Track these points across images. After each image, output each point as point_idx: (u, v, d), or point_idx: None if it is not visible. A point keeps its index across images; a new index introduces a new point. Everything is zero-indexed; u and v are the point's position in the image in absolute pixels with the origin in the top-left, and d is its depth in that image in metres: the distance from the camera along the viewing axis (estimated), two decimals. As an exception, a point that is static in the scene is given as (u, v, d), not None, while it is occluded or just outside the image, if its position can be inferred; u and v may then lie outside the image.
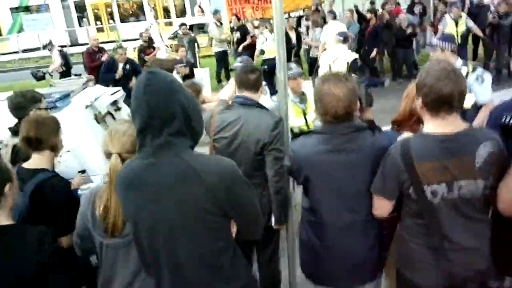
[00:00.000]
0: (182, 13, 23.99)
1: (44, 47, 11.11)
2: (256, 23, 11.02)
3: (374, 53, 9.81)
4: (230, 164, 1.64)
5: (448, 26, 8.53)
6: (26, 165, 2.45)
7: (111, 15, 22.78)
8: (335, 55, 6.30)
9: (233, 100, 2.92)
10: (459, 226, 1.89)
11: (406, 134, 2.22)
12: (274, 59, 8.13)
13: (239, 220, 1.72)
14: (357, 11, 10.70)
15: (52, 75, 10.21)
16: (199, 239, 1.60)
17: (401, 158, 1.88)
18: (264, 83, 3.15)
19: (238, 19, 10.75)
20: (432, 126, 1.90)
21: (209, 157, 1.68)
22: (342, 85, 2.02)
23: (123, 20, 22.98)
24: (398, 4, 11.78)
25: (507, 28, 8.81)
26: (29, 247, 1.80)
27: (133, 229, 1.68)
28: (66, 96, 4.04)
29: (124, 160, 1.87)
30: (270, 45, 9.03)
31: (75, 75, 10.53)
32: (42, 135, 2.43)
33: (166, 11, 24.34)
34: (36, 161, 2.45)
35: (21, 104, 3.11)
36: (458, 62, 3.87)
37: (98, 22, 24.03)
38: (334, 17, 9.47)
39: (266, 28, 9.89)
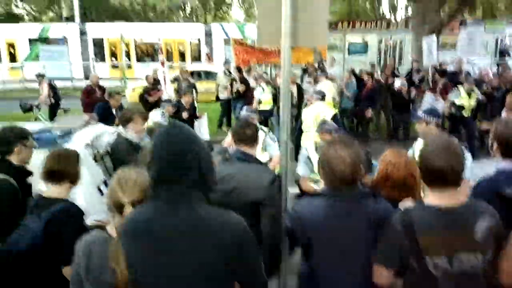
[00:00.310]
0: (197, 58, 24.99)
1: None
2: (255, 75, 11.48)
3: (369, 113, 10.10)
4: (242, 222, 1.66)
5: (461, 97, 8.66)
6: (45, 194, 2.60)
7: (127, 54, 24.00)
8: (316, 111, 6.63)
9: (231, 154, 2.99)
10: None
11: (407, 203, 2.28)
12: (270, 110, 8.32)
13: (245, 280, 1.71)
14: (354, 73, 11.12)
15: (39, 108, 10.38)
16: None
17: (403, 229, 1.92)
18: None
19: (240, 71, 11.20)
20: (432, 198, 1.96)
21: (222, 212, 1.68)
22: (349, 149, 2.06)
23: (139, 59, 23.92)
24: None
25: (498, 102, 9.09)
26: None
27: (133, 277, 1.65)
28: (67, 133, 4.12)
29: None
30: (266, 96, 9.73)
31: (64, 109, 10.75)
32: (65, 168, 2.60)
33: (182, 55, 25.49)
34: (55, 191, 2.58)
35: (8, 139, 3.14)
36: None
37: (114, 59, 24.97)
38: (326, 76, 10.09)
39: (263, 80, 10.35)
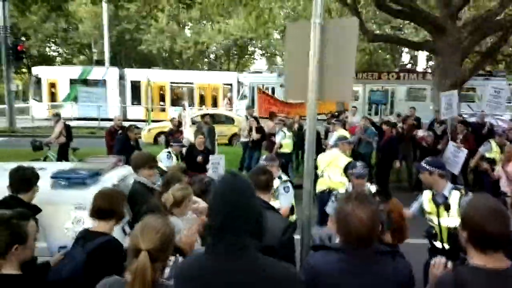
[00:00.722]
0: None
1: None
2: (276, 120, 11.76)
3: (397, 164, 10.13)
4: (297, 273, 1.73)
5: (493, 151, 8.57)
6: (92, 228, 2.88)
7: (162, 97, 25.89)
8: (331, 157, 6.77)
9: None
10: None
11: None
12: (289, 153, 8.46)
13: None
14: (371, 122, 11.17)
15: (49, 147, 10.72)
16: None
17: None
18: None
19: (257, 120, 11.68)
20: (479, 260, 1.95)
21: (276, 261, 1.71)
22: (366, 208, 2.02)
23: (173, 103, 25.27)
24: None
25: None
26: None
27: None
28: (96, 174, 4.25)
29: (153, 259, 1.81)
30: (287, 141, 10.24)
31: (73, 149, 11.10)
32: (114, 207, 2.88)
33: (214, 100, 26.69)
34: (101, 226, 2.86)
35: (30, 180, 3.48)
36: (447, 186, 3.97)
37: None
38: (343, 125, 10.39)
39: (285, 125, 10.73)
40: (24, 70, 42.06)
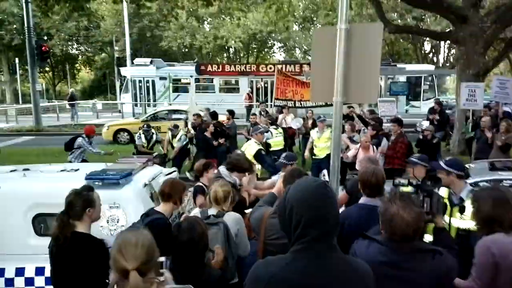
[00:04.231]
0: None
1: None
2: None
3: None
4: (369, 268, 1.83)
5: None
6: (155, 207, 3.66)
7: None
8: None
9: None
10: None
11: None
12: (282, 150, 9.49)
13: None
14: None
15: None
16: None
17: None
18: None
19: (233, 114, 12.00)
20: None
21: (353, 258, 1.91)
22: (411, 210, 2.16)
23: None
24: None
25: None
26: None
27: None
28: (128, 174, 4.42)
29: (142, 274, 1.80)
30: (276, 139, 10.18)
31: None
32: (172, 192, 3.55)
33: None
34: (161, 207, 3.60)
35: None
36: (465, 188, 3.90)
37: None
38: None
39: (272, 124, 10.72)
40: (47, 69, 43.07)
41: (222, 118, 12.49)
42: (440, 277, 2.16)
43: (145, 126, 10.73)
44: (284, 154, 5.63)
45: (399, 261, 2.19)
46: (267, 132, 9.83)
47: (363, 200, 3.10)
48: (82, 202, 3.06)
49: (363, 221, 2.83)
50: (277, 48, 47.59)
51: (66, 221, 3.01)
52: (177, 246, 2.77)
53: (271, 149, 10.02)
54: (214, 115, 11.52)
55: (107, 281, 2.78)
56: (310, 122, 11.16)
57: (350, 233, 2.62)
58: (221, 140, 9.95)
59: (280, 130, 10.47)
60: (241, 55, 44.90)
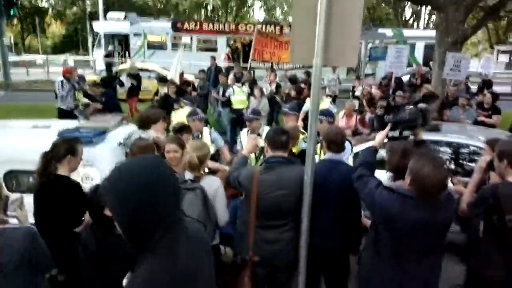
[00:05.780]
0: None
1: None
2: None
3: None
4: None
5: None
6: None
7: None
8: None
9: (269, 161, 3.25)
10: None
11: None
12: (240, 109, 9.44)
13: None
14: None
15: None
16: None
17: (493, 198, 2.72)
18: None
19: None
20: None
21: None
22: (440, 167, 2.41)
23: None
24: None
25: None
26: None
27: None
28: (102, 133, 4.33)
29: None
30: (238, 97, 9.85)
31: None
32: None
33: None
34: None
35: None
36: None
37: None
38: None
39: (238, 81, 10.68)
40: (15, 21, 41.05)
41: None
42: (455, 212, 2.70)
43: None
44: (250, 109, 6.17)
45: (429, 209, 2.45)
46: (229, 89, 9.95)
47: (328, 156, 3.44)
48: (65, 147, 3.28)
49: (326, 172, 3.25)
50: (257, 8, 46.59)
51: (48, 160, 3.23)
52: None
53: (233, 107, 9.79)
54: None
55: (82, 219, 3.24)
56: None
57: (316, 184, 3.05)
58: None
59: (244, 89, 10.13)
60: (219, 13, 43.74)
